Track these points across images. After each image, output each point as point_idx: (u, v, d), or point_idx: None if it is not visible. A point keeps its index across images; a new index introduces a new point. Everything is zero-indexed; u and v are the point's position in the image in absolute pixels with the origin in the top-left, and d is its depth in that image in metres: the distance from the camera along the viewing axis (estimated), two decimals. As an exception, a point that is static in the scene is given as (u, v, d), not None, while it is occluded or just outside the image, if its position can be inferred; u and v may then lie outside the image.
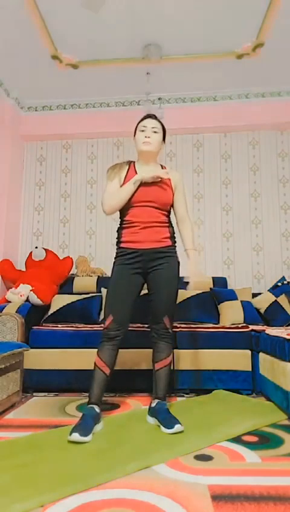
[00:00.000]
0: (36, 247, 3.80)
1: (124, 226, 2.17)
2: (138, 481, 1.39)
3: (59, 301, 3.42)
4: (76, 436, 1.74)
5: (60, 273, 3.71)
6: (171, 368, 2.19)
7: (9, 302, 3.18)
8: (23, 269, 3.87)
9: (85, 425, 1.82)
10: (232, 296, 3.44)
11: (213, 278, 3.75)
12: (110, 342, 2.05)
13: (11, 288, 3.43)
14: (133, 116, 4.03)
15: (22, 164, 4.36)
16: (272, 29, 3.19)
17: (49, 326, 3.06)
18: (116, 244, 2.21)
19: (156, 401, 2.07)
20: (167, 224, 2.18)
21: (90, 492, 1.31)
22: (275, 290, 3.47)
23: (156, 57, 3.45)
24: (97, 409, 1.95)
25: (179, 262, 2.18)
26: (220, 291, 3.52)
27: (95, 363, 2.04)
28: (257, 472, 1.47)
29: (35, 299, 3.20)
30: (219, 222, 4.11)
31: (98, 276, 3.79)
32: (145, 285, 2.20)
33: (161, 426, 1.93)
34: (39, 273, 3.59)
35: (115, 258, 2.18)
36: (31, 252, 3.82)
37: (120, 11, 3.00)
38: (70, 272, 3.82)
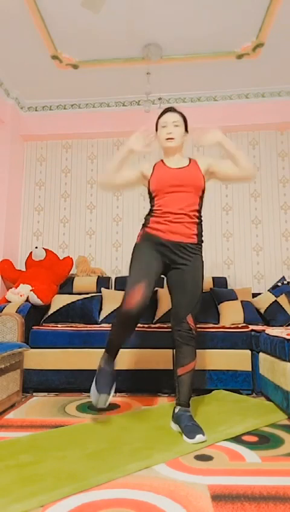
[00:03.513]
0: (36, 247, 3.80)
1: (153, 214, 2.08)
2: (138, 481, 1.39)
3: (59, 301, 3.42)
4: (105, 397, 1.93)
5: (60, 273, 3.71)
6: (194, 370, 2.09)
7: (9, 302, 3.18)
8: (23, 269, 3.87)
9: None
10: (232, 296, 3.44)
11: (213, 278, 3.75)
12: (130, 327, 1.99)
13: (11, 288, 3.43)
14: (133, 116, 4.07)
15: (22, 164, 4.36)
16: (272, 29, 3.19)
17: (49, 326, 3.06)
18: (142, 227, 2.12)
19: (179, 407, 1.97)
20: (197, 221, 2.07)
21: (90, 492, 1.31)
22: (275, 290, 3.47)
23: (156, 57, 3.45)
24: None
25: (203, 262, 2.10)
26: (220, 291, 3.52)
27: (112, 333, 2.03)
28: (257, 472, 1.47)
29: (35, 299, 3.20)
30: (219, 222, 4.11)
31: (98, 276, 3.79)
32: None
33: (183, 435, 1.83)
34: (39, 273, 3.58)
35: (138, 238, 2.11)
36: (31, 252, 3.82)
37: (120, 11, 3.00)
38: (70, 272, 3.82)
